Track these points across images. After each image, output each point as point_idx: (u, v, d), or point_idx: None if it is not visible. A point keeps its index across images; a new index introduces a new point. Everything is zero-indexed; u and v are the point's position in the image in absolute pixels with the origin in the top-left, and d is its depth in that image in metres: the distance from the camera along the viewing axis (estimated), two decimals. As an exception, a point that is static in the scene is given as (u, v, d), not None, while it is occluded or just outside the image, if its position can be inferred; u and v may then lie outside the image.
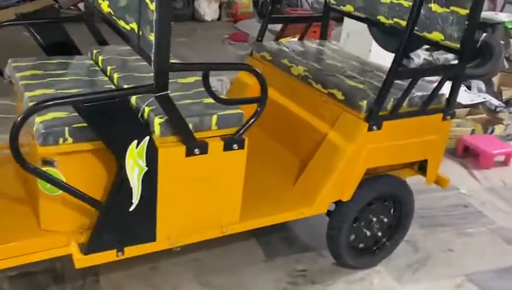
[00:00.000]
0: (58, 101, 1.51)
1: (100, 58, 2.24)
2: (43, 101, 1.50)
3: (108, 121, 1.59)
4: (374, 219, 2.45)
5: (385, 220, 2.47)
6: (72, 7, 6.71)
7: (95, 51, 2.31)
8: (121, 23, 1.84)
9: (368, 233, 2.46)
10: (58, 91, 1.89)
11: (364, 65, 2.68)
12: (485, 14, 4.76)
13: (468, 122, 4.16)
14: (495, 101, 4.57)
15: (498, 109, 4.48)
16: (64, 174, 1.71)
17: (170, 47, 1.57)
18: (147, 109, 1.78)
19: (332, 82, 2.37)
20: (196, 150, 1.79)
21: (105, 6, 1.98)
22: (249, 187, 2.02)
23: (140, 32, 1.68)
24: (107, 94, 1.60)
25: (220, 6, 7.33)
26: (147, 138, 1.68)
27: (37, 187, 1.73)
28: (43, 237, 1.77)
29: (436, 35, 2.34)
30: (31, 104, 1.61)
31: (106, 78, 2.09)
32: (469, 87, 4.78)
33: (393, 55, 2.12)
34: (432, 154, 2.43)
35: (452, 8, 2.25)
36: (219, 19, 7.36)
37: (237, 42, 6.30)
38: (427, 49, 4.96)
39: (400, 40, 2.09)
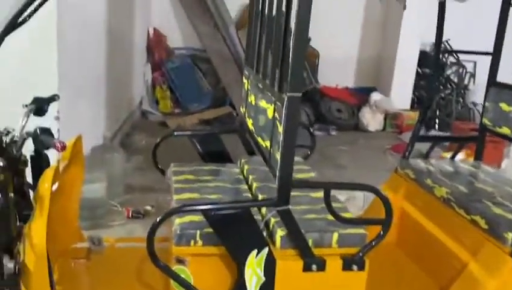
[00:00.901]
0: (188, 208, 1.71)
1: (246, 167, 2.48)
2: (175, 208, 1.72)
3: (232, 230, 1.74)
4: None
5: None
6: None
7: (242, 161, 2.56)
8: (259, 139, 2.05)
9: None
10: (202, 196, 2.13)
11: (521, 191, 2.44)
12: None
13: None
14: None
15: None
16: (193, 274, 1.88)
17: (293, 165, 1.69)
18: (272, 220, 1.90)
19: (476, 208, 2.21)
20: (314, 266, 1.81)
21: (250, 124, 2.23)
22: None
23: (271, 150, 1.84)
24: (232, 205, 1.76)
25: (385, 118, 7.39)
26: (266, 248, 1.77)
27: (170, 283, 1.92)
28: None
29: None
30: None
31: (246, 187, 2.29)
32: None
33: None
34: None
35: None
36: (383, 129, 7.40)
37: (399, 153, 6.21)
38: None
39: None
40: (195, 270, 1.87)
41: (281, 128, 1.70)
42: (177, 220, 1.89)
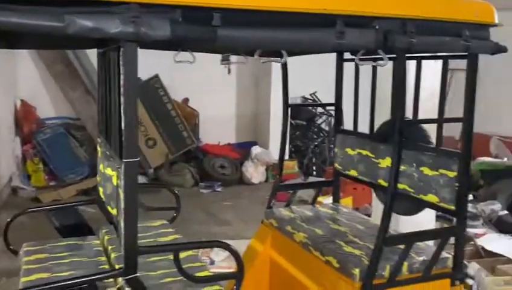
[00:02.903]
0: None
1: (106, 238, 2.40)
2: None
3: (77, 307, 1.66)
4: None
5: None
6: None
7: (103, 231, 2.49)
8: (109, 208, 2.01)
9: None
10: (53, 275, 2.02)
11: (371, 228, 2.64)
12: None
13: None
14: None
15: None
16: None
17: (137, 233, 1.68)
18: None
19: (329, 249, 2.34)
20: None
21: (101, 192, 2.19)
22: None
23: (118, 218, 1.82)
24: (77, 281, 1.69)
25: (266, 169, 7.65)
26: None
27: None
28: None
29: (432, 198, 2.31)
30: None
31: (105, 259, 2.21)
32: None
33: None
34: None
35: (441, 170, 2.26)
36: (266, 180, 7.64)
37: (281, 202, 6.42)
38: (470, 201, 4.82)
39: (401, 202, 2.08)
40: None
41: (122, 194, 1.69)
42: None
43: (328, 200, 4.15)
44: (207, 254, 4.44)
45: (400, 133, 2.03)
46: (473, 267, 3.68)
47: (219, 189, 7.16)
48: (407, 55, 1.99)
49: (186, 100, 7.88)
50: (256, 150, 7.76)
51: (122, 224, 1.70)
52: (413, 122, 2.41)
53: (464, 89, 2.18)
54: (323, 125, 8.14)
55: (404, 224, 3.33)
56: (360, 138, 2.84)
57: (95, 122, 6.75)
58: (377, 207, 5.05)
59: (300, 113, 7.94)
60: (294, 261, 2.60)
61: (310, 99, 8.03)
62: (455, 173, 2.18)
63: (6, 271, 3.79)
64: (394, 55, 1.94)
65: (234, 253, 1.87)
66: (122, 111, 1.61)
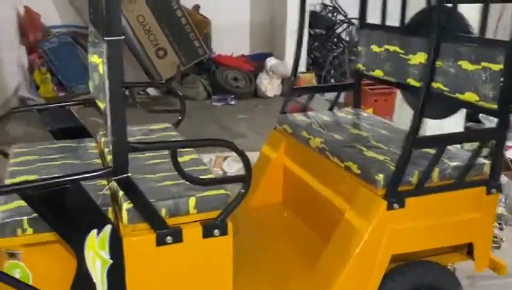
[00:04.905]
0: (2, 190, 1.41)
1: (103, 140, 2.18)
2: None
3: (60, 210, 1.45)
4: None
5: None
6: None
7: (100, 133, 2.26)
8: (98, 102, 1.76)
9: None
10: (41, 177, 1.81)
11: (395, 133, 2.37)
12: None
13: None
14: None
15: None
16: (30, 268, 1.58)
17: (126, 126, 1.44)
18: (121, 194, 1.63)
19: (348, 154, 2.09)
20: (168, 238, 1.58)
21: (91, 86, 1.93)
22: (265, 271, 1.86)
23: (106, 111, 1.57)
24: (56, 181, 1.47)
25: (282, 82, 7.32)
26: (108, 226, 1.51)
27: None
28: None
29: (470, 96, 2.01)
30: (5, 192, 1.53)
31: (100, 161, 2.00)
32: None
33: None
34: (477, 235, 2.01)
35: (483, 64, 1.93)
36: (282, 94, 7.33)
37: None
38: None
39: (433, 103, 1.80)
40: (31, 264, 1.57)
41: (107, 82, 1.43)
42: (0, 208, 1.57)
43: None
44: (219, 165, 4.27)
45: (439, 23, 1.70)
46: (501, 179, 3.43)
47: (232, 102, 6.89)
48: None
49: (197, 7, 7.39)
50: (271, 61, 7.36)
51: (109, 117, 1.45)
52: (454, 8, 2.05)
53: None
54: (343, 35, 7.64)
55: (431, 130, 3.05)
56: (388, 32, 2.49)
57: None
58: (399, 116, 4.76)
59: (318, 21, 7.43)
60: (309, 168, 2.37)
61: (330, 6, 7.48)
62: (501, 66, 1.85)
63: None
64: None
65: (240, 153, 1.63)
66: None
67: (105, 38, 1.35)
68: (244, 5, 7.75)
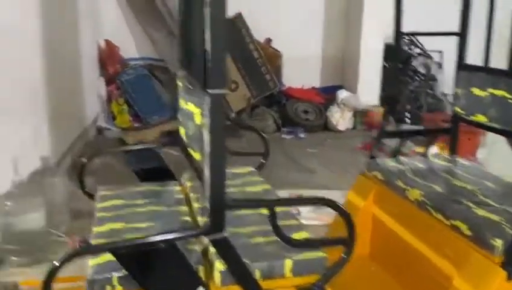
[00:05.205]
0: (91, 250, 1.34)
1: (188, 185, 2.11)
2: (74, 252, 1.34)
3: (151, 270, 1.37)
4: None
5: None
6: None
7: (185, 177, 2.20)
8: (191, 151, 1.69)
9: None
10: (129, 225, 1.76)
11: (505, 187, 2.13)
12: None
13: None
14: None
15: None
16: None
17: (225, 183, 1.33)
18: (211, 251, 1.53)
19: (456, 211, 1.89)
20: (262, 304, 1.45)
21: (183, 133, 1.87)
22: None
23: (202, 164, 1.48)
24: (151, 241, 1.38)
25: (354, 116, 7.12)
26: (200, 288, 1.40)
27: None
28: None
29: None
30: (94, 241, 1.47)
31: (187, 209, 1.92)
32: None
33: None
34: None
35: None
36: (354, 128, 7.12)
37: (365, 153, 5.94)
38: None
39: None
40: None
41: (206, 136, 1.34)
42: (91, 262, 1.51)
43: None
44: (293, 203, 4.13)
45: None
46: None
47: (302, 135, 6.76)
48: None
49: (268, 40, 7.41)
50: (342, 94, 7.20)
51: (207, 172, 1.36)
52: None
53: None
54: (420, 68, 7.36)
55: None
56: (493, 75, 2.28)
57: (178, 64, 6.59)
58: (487, 159, 4.43)
59: (395, 55, 7.19)
60: (404, 222, 2.18)
61: (407, 39, 7.25)
62: None
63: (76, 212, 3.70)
64: None
65: (345, 214, 1.48)
66: (208, 27, 1.23)
67: (209, 91, 1.27)
68: (316, 38, 7.69)
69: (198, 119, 1.52)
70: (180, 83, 2.14)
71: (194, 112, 1.60)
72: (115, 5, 6.89)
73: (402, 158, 2.57)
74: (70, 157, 4.89)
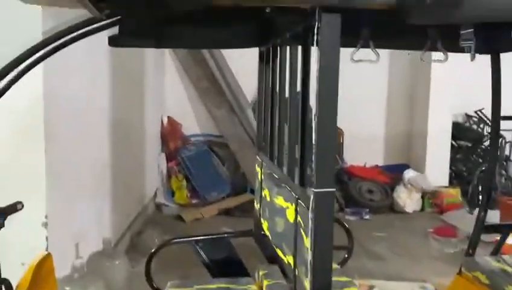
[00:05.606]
0: None
1: (265, 283, 1.87)
2: None
3: None
4: None
5: None
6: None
7: (260, 273, 1.97)
8: (279, 251, 1.47)
9: None
10: None
11: None
12: None
13: None
14: None
15: None
16: None
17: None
18: None
19: None
20: None
21: (265, 227, 1.67)
22: None
23: (297, 271, 1.26)
24: None
25: (422, 197, 6.71)
26: None
27: None
28: None
29: None
30: None
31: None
32: None
33: None
34: None
35: None
36: (422, 209, 6.69)
37: (443, 237, 5.48)
38: None
39: None
40: None
41: (307, 241, 1.13)
42: None
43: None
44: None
45: None
46: None
47: (367, 216, 6.40)
48: None
49: (330, 117, 7.30)
50: (409, 173, 6.85)
51: (306, 284, 1.14)
52: None
53: None
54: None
55: None
56: None
57: (239, 141, 6.54)
58: None
59: (462, 133, 6.89)
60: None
61: (475, 117, 6.93)
62: None
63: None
64: None
65: None
66: (316, 118, 1.08)
67: (314, 190, 1.08)
68: (379, 116, 7.51)
69: (291, 217, 1.32)
70: (260, 170, 1.97)
71: (284, 206, 1.41)
72: (178, 81, 7.06)
73: (505, 257, 2.24)
74: (129, 236, 4.79)
